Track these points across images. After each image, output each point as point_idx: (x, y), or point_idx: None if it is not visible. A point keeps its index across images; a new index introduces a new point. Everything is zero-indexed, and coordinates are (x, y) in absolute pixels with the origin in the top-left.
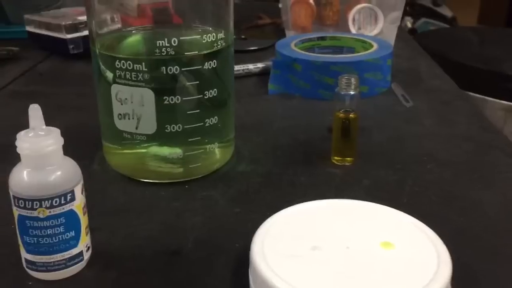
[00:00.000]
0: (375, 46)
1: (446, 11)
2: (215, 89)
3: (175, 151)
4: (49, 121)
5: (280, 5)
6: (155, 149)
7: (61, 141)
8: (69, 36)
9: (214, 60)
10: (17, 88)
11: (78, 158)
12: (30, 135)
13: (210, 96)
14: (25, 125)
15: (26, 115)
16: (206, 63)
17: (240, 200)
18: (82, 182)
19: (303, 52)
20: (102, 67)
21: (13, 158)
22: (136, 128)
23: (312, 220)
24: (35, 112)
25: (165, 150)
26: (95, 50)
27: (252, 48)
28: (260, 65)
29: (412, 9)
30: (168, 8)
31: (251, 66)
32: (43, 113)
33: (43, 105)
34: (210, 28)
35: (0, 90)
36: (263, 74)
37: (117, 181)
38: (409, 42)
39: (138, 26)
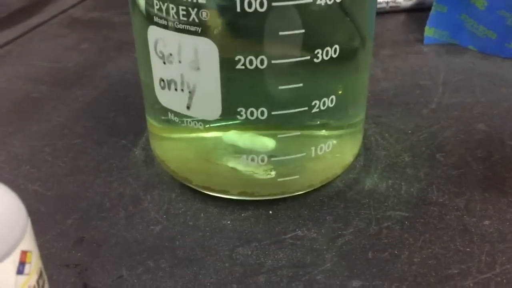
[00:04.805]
0: None
1: None
2: (337, 45)
3: (267, 145)
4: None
5: None
6: (228, 137)
7: None
8: None
9: None
10: (79, 14)
11: (116, 133)
12: None
13: (327, 57)
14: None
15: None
16: None
17: (361, 261)
18: (29, 234)
19: None
20: None
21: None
22: (188, 108)
23: None
24: None
25: (245, 140)
26: None
27: None
28: None
29: None
30: None
31: None
32: (101, 51)
33: (103, 39)
34: None
35: (56, 15)
36: (416, 10)
37: (161, 184)
38: None
39: None
